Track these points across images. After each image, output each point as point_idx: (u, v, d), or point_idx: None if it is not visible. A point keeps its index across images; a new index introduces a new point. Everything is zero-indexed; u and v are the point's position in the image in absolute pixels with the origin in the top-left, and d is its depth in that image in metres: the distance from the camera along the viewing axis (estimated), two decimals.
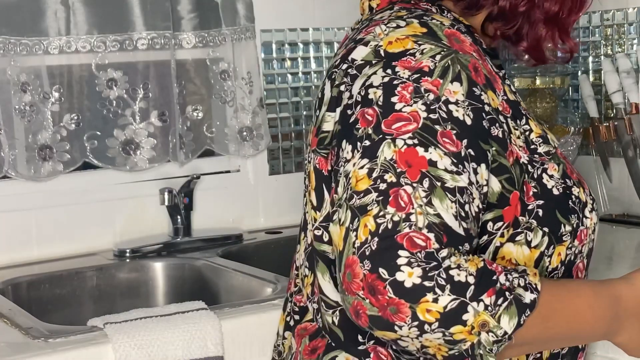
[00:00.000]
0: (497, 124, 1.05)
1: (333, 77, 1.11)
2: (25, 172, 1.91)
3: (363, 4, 1.21)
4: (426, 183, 0.97)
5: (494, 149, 1.04)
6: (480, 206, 1.02)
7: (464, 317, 0.94)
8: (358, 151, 1.02)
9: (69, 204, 2.00)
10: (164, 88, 2.05)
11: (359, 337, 1.10)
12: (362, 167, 1.00)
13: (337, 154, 1.07)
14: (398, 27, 1.07)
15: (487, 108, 1.04)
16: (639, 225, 2.00)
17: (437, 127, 1.00)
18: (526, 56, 1.22)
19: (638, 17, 2.05)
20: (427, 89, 1.02)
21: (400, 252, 0.94)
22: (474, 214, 1.01)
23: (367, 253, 0.95)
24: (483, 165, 1.02)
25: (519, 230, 1.08)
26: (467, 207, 0.99)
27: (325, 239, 1.11)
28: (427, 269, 0.93)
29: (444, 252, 0.95)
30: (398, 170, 0.98)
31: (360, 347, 1.10)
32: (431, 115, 1.00)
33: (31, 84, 1.91)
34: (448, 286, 0.93)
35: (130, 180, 2.08)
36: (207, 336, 1.44)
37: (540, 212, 1.08)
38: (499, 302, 0.95)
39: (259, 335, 1.47)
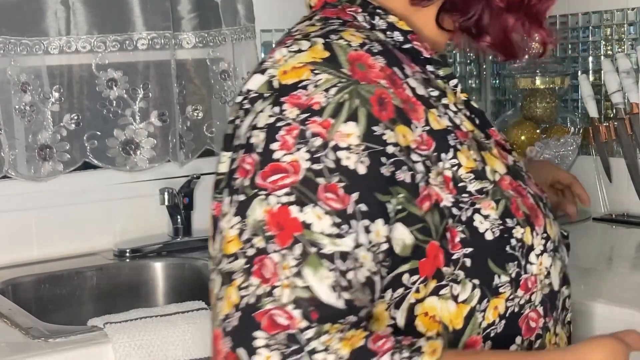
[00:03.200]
0: (404, 167, 0.90)
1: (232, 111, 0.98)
2: (25, 172, 1.91)
3: (306, 0, 1.10)
4: (298, 250, 0.84)
5: (401, 195, 0.90)
6: (375, 269, 0.88)
7: None
8: (233, 206, 0.89)
9: (69, 204, 2.00)
10: (164, 88, 2.05)
11: None
12: (232, 227, 0.88)
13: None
14: (299, 51, 0.93)
15: (390, 150, 0.89)
16: (639, 225, 2.00)
17: (319, 180, 0.86)
18: (496, 52, 1.06)
19: (638, 17, 2.05)
20: (315, 132, 0.87)
21: (258, 333, 0.82)
22: (361, 281, 0.87)
23: (228, 329, 0.85)
24: (379, 221, 0.88)
25: (444, 282, 0.93)
26: (350, 275, 0.85)
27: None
28: (286, 353, 0.82)
29: (310, 333, 0.82)
30: (267, 233, 0.85)
31: None
32: (314, 166, 0.86)
33: (31, 84, 1.91)
34: None
35: (130, 180, 2.08)
36: (207, 336, 1.43)
37: (468, 262, 0.93)
38: None
39: None
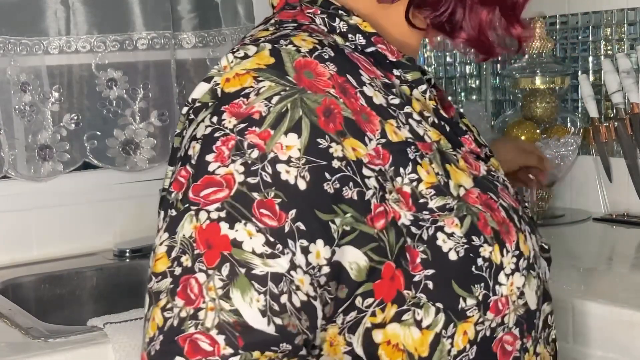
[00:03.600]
0: (351, 184, 0.82)
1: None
2: (25, 172, 1.91)
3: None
4: (225, 270, 0.77)
5: (348, 215, 0.82)
6: (314, 293, 0.81)
7: None
8: (165, 221, 0.83)
9: (69, 204, 2.00)
10: (164, 88, 2.05)
11: None
12: (162, 243, 0.82)
13: None
14: (246, 56, 0.86)
15: (336, 164, 0.82)
16: (639, 225, 1.99)
17: (254, 194, 0.79)
18: (471, 50, 0.99)
19: (638, 17, 2.05)
20: (252, 143, 0.80)
21: (178, 359, 0.77)
22: (297, 305, 0.79)
23: (152, 353, 0.79)
24: (319, 242, 0.80)
25: (405, 307, 0.85)
26: (283, 299, 0.78)
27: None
28: None
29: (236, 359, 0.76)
30: (195, 252, 0.79)
31: None
32: (249, 179, 0.79)
33: (31, 84, 1.91)
34: None
35: (130, 180, 2.08)
36: None
37: (430, 285, 0.85)
38: None
39: None
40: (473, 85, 2.47)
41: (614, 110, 2.07)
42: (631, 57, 2.04)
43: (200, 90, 0.87)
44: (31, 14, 1.91)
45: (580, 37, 2.17)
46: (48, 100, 1.94)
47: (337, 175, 0.82)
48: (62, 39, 1.95)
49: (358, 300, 0.84)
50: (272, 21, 0.93)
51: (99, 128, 2.01)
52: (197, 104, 0.86)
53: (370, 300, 0.85)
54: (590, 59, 2.16)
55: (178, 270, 0.80)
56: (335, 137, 0.83)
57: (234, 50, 0.88)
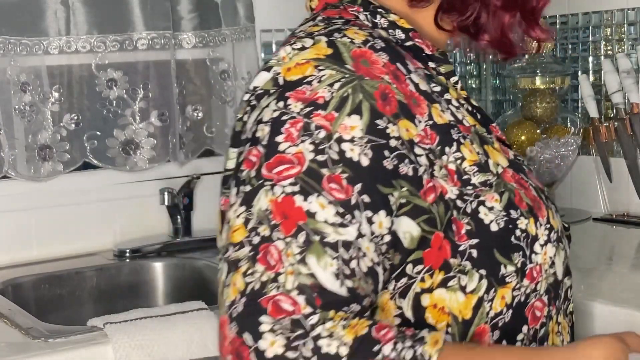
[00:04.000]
0: (407, 161, 0.92)
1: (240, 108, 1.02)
2: (25, 172, 1.91)
3: (306, 3, 1.14)
4: (301, 238, 0.86)
5: (404, 189, 0.91)
6: (377, 259, 0.90)
7: None
8: (239, 197, 0.91)
9: (69, 204, 2.00)
10: (164, 88, 2.05)
11: None
12: (238, 216, 0.90)
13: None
14: (303, 48, 0.95)
15: (393, 143, 0.91)
16: (639, 225, 2.00)
17: (323, 170, 0.88)
18: (493, 50, 1.09)
19: (638, 17, 2.05)
20: (319, 125, 0.90)
21: (263, 318, 0.84)
22: (364, 270, 0.88)
23: (234, 315, 0.86)
24: (382, 213, 0.90)
25: (451, 274, 0.95)
26: (353, 264, 0.87)
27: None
28: (291, 338, 0.83)
29: (315, 318, 0.84)
30: (272, 222, 0.87)
31: None
32: (318, 157, 0.89)
33: (31, 84, 1.91)
34: (315, 358, 0.83)
35: (130, 180, 2.08)
36: (207, 336, 1.44)
37: (475, 253, 0.95)
38: None
39: None
40: (473, 85, 2.47)
41: (614, 110, 2.07)
42: (631, 57, 2.04)
43: (262, 79, 0.96)
44: (31, 14, 1.91)
45: (580, 37, 2.17)
46: (48, 100, 1.94)
47: (395, 153, 0.91)
48: (62, 39, 1.94)
49: (409, 268, 0.93)
50: (320, 18, 1.02)
51: (99, 128, 2.01)
52: (259, 91, 0.95)
53: (420, 267, 0.94)
54: (590, 59, 2.16)
55: (256, 240, 0.87)
56: (391, 118, 0.92)
57: (291, 42, 0.97)
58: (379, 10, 1.04)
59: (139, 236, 2.07)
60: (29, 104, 1.90)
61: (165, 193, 2.05)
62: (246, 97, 0.98)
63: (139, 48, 2.02)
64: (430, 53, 1.05)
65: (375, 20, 1.03)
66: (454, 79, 1.05)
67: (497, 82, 2.42)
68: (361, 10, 1.03)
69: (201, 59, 2.14)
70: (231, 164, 0.98)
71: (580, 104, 2.18)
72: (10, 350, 1.35)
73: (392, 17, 1.04)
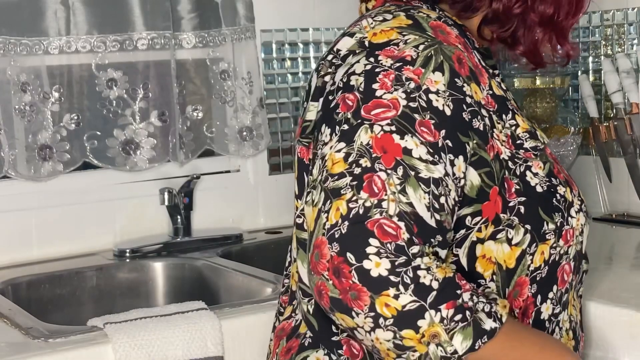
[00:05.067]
0: (478, 117, 1.04)
1: (319, 69, 1.12)
2: (25, 172, 1.91)
3: (361, 7, 1.22)
4: (400, 171, 0.97)
5: (474, 141, 1.03)
6: (457, 199, 1.01)
7: (419, 322, 0.93)
8: (336, 135, 1.01)
9: (69, 204, 2.00)
10: (164, 88, 2.05)
11: (333, 328, 1.09)
12: (338, 151, 1.00)
13: (317, 138, 1.07)
14: (384, 20, 1.08)
15: (468, 100, 1.04)
16: (639, 225, 2.00)
17: (415, 115, 0.99)
18: (524, 60, 1.21)
19: (638, 17, 2.05)
20: (409, 77, 1.01)
21: (371, 241, 0.93)
22: (450, 207, 1.00)
23: (337, 236, 0.94)
24: (461, 157, 1.01)
25: (500, 227, 1.06)
26: (442, 200, 0.98)
27: (306, 226, 1.08)
28: (397, 263, 0.92)
29: (415, 249, 0.94)
30: (373, 155, 0.97)
31: (333, 338, 1.09)
32: (411, 104, 1.00)
33: (31, 84, 1.91)
34: (412, 286, 0.92)
35: (130, 180, 2.08)
36: (207, 336, 1.44)
37: (522, 209, 1.07)
38: (456, 318, 0.94)
39: (259, 335, 1.47)
40: None
41: (614, 110, 2.07)
42: (631, 57, 2.04)
43: (346, 43, 1.08)
44: (31, 14, 1.91)
45: (580, 37, 2.17)
46: (48, 100, 1.93)
47: (470, 109, 1.04)
48: (62, 39, 1.94)
49: (468, 219, 1.05)
50: (388, 4, 1.14)
51: (99, 128, 2.01)
52: (345, 52, 1.07)
53: (478, 218, 1.05)
54: (590, 59, 2.16)
55: (358, 170, 0.97)
56: (466, 80, 1.05)
57: (372, 15, 1.10)
58: (436, 6, 1.15)
59: (139, 236, 2.06)
60: (29, 104, 1.90)
61: (165, 193, 2.05)
62: (329, 57, 1.09)
63: (139, 48, 2.02)
64: (478, 46, 1.17)
65: (436, 12, 1.14)
66: (496, 71, 1.18)
67: None
68: (422, 4, 1.14)
69: (201, 59, 2.14)
70: (311, 115, 1.10)
71: (580, 104, 2.18)
72: (10, 350, 1.35)
73: (447, 14, 1.15)
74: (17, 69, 1.89)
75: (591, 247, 1.86)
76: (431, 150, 0.98)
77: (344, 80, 1.05)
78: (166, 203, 2.05)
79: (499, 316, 0.97)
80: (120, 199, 2.06)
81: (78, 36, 1.96)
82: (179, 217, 2.06)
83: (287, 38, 2.28)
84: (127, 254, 1.99)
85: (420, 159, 0.97)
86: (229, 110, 2.16)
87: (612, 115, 2.10)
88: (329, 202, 0.97)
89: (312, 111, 1.10)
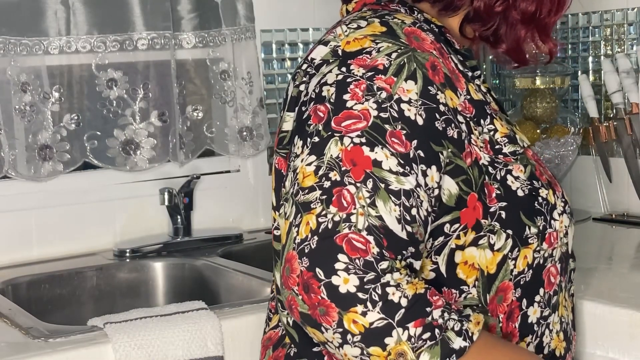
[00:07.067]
0: (452, 125, 1.03)
1: (295, 77, 1.11)
2: (25, 172, 1.91)
3: (342, 9, 1.22)
4: (370, 184, 0.96)
5: (449, 150, 1.02)
6: (430, 209, 1.00)
7: (386, 340, 0.92)
8: (307, 147, 1.01)
9: (69, 204, 2.00)
10: (164, 88, 2.05)
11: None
12: (309, 164, 0.99)
13: (290, 149, 1.07)
14: (358, 27, 1.07)
15: (442, 108, 1.02)
16: (639, 225, 2.00)
17: (386, 126, 0.99)
18: (506, 58, 1.20)
19: (638, 17, 2.05)
20: (380, 87, 1.00)
21: (340, 256, 0.92)
22: (422, 218, 0.98)
23: (306, 251, 0.94)
24: (434, 167, 1.00)
25: (482, 233, 1.05)
26: (413, 211, 0.97)
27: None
28: (365, 279, 0.92)
29: (384, 264, 0.93)
30: (343, 168, 0.96)
31: (314, 349, 1.09)
32: (382, 114, 0.99)
33: (31, 84, 1.91)
34: (380, 303, 0.91)
35: (130, 180, 2.08)
36: (207, 336, 1.44)
37: (503, 214, 1.06)
38: (424, 336, 0.92)
39: (259, 335, 1.47)
40: None
41: (614, 110, 2.07)
42: (631, 57, 2.04)
43: (320, 52, 1.07)
44: (31, 14, 1.91)
45: (580, 37, 2.17)
46: (48, 100, 1.93)
47: (444, 117, 1.02)
48: (62, 39, 1.94)
49: (446, 227, 1.03)
50: (365, 9, 1.12)
51: (99, 128, 2.01)
52: (319, 61, 1.06)
53: (456, 225, 1.04)
54: (590, 59, 2.16)
55: (327, 184, 0.96)
56: (440, 87, 1.03)
57: (346, 22, 1.09)
58: (414, 9, 1.14)
59: (139, 236, 2.06)
60: (29, 104, 1.90)
61: (165, 193, 2.05)
62: (303, 66, 1.09)
63: (139, 48, 2.02)
64: (458, 47, 1.15)
65: (413, 15, 1.13)
66: (477, 72, 1.16)
67: (497, 82, 2.42)
68: (399, 7, 1.13)
69: (201, 59, 2.14)
70: (287, 126, 1.09)
71: (580, 104, 2.18)
72: (10, 350, 1.35)
73: (426, 15, 1.14)
74: (17, 69, 1.89)
75: (591, 247, 1.87)
76: (402, 162, 0.97)
77: (316, 90, 1.04)
78: (166, 203, 2.05)
79: (470, 334, 0.95)
80: (121, 199, 2.06)
81: (78, 36, 1.96)
82: (179, 217, 2.06)
83: (287, 38, 2.28)
84: (127, 254, 1.99)
85: (390, 170, 0.97)
86: (229, 110, 2.16)
87: (612, 115, 2.10)
88: (299, 216, 0.96)
89: (289, 121, 1.10)
